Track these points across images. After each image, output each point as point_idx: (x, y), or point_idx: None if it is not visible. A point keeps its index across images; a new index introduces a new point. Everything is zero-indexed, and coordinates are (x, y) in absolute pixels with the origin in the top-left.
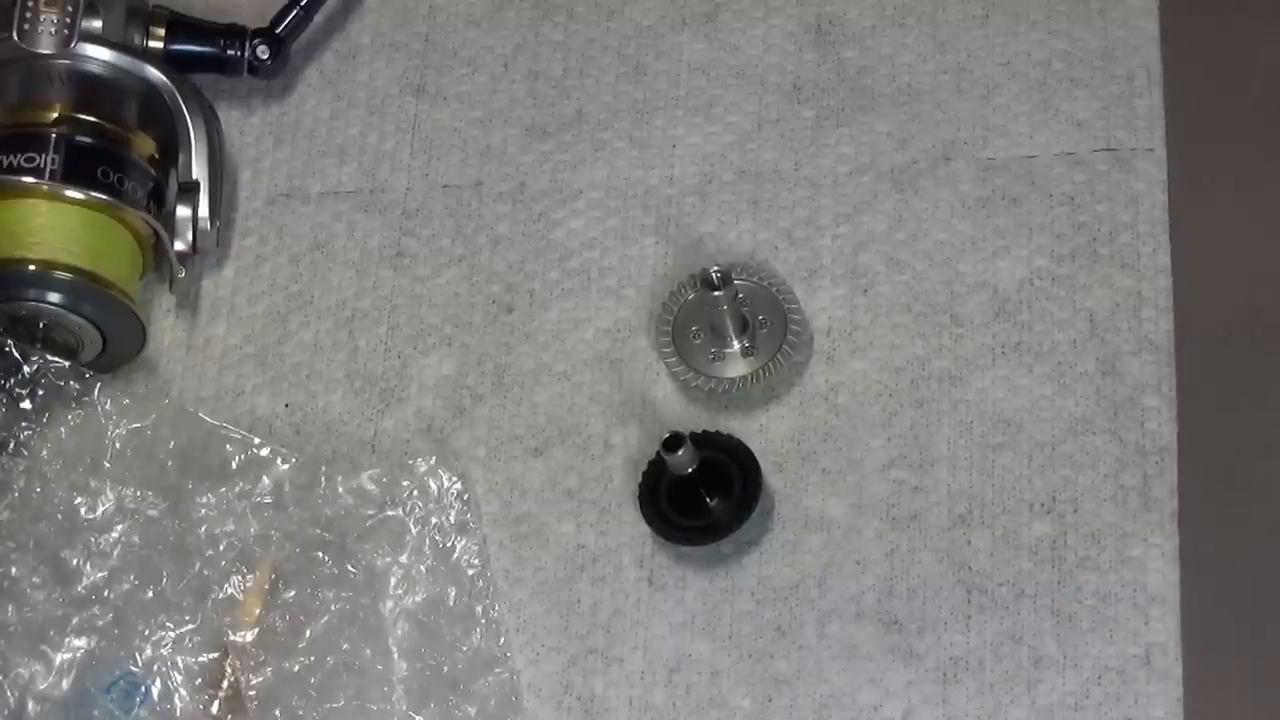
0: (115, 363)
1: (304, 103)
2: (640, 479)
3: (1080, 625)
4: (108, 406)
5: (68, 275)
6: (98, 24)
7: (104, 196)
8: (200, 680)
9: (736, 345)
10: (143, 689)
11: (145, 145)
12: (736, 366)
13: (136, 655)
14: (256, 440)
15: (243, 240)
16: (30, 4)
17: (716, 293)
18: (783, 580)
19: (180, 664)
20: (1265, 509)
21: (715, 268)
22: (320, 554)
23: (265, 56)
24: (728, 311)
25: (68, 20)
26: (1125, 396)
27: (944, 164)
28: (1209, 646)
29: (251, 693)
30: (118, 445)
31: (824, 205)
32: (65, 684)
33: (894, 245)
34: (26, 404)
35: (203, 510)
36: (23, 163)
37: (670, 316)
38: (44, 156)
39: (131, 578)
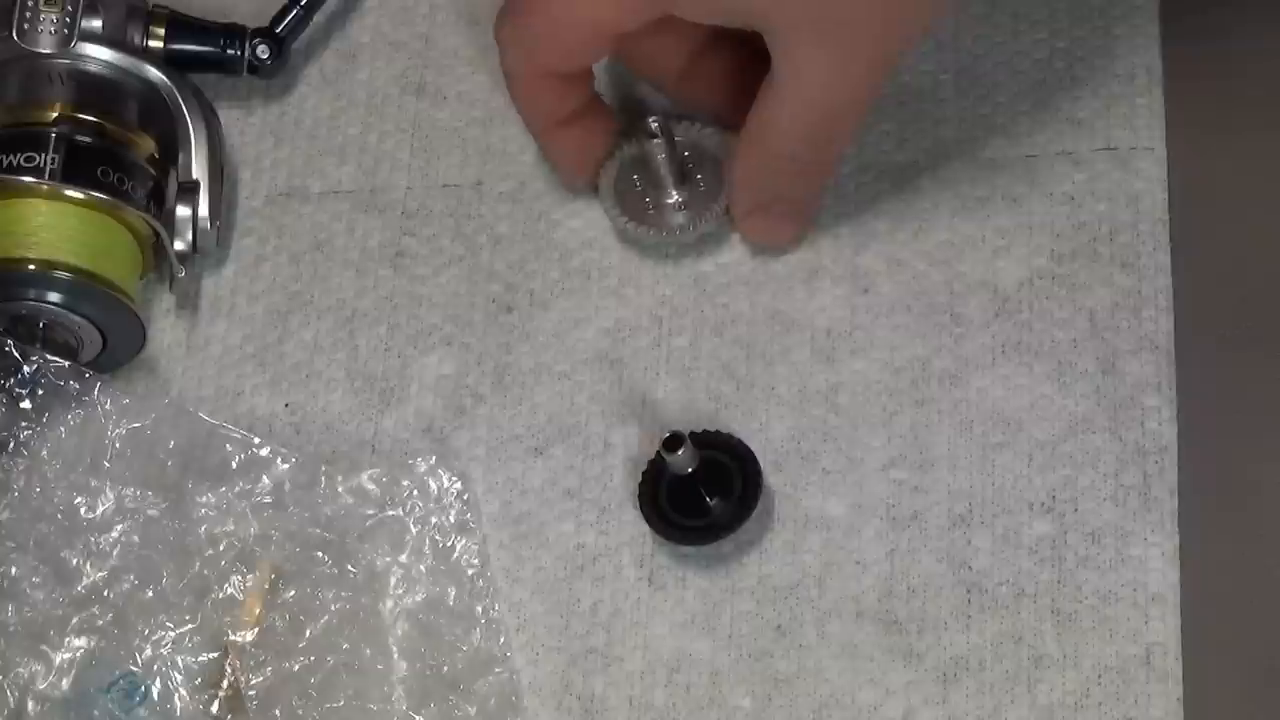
0: (115, 363)
1: (304, 102)
2: (640, 479)
3: (1080, 625)
4: (108, 406)
5: (68, 275)
6: (97, 23)
7: (104, 196)
8: (200, 680)
9: (675, 196)
10: (143, 689)
11: (145, 145)
12: (674, 218)
13: (136, 655)
14: (256, 440)
15: (243, 240)
16: (30, 3)
17: (655, 140)
18: (783, 580)
19: (180, 664)
20: (1265, 509)
21: (653, 117)
22: (320, 554)
23: (265, 56)
24: (664, 162)
25: (67, 20)
26: (1125, 396)
27: (944, 163)
28: (1209, 646)
29: (251, 693)
30: (118, 445)
31: (824, 205)
32: (65, 684)
33: (894, 245)
34: (26, 404)
35: (203, 510)
36: (22, 162)
37: (613, 168)
38: (44, 156)
39: (131, 578)
